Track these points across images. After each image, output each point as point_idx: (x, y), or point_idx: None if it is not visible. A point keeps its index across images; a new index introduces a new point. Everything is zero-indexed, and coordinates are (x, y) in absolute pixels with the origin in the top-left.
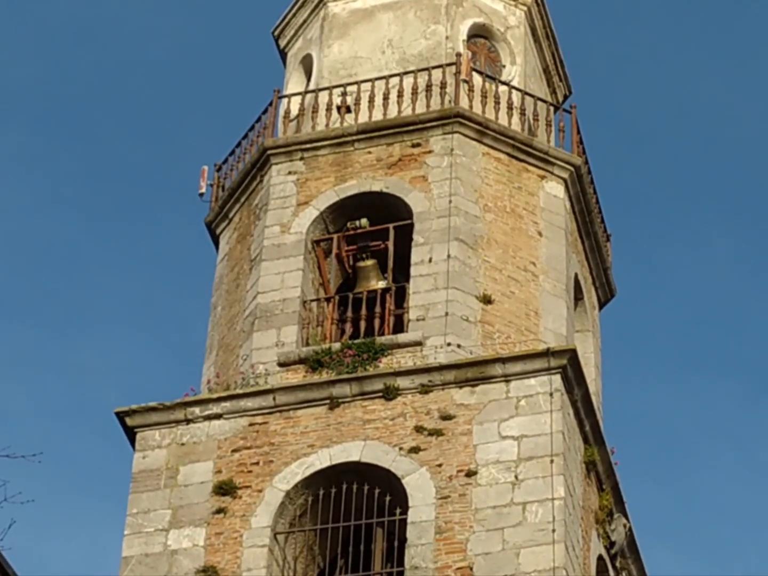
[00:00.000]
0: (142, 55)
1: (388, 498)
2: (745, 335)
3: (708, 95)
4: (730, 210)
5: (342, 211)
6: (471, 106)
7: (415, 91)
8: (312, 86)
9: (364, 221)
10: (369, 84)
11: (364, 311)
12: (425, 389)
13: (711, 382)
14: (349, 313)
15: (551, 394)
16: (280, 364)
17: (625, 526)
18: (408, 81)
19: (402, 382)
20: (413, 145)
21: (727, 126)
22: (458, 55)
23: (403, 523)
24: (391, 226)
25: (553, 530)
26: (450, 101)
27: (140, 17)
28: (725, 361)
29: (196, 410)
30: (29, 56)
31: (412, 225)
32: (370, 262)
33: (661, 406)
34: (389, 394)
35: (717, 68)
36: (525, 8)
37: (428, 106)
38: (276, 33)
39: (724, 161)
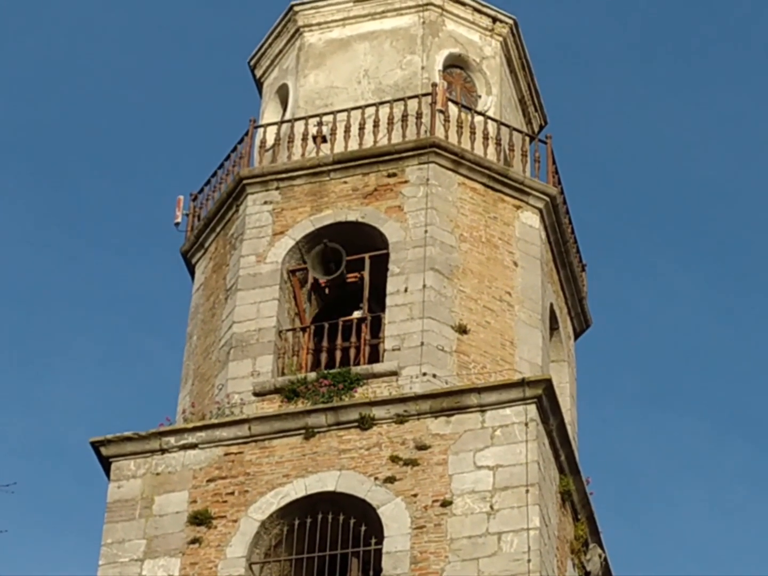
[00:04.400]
0: (118, 84)
1: (363, 528)
2: (712, 370)
3: (683, 127)
4: (698, 246)
5: (318, 241)
6: (447, 136)
7: (390, 121)
8: (288, 116)
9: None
10: (345, 114)
11: (339, 341)
12: (401, 419)
13: (680, 415)
14: (325, 343)
15: (527, 424)
16: (256, 394)
17: (600, 556)
18: (384, 111)
19: (377, 412)
20: (389, 175)
21: (701, 160)
22: (434, 85)
23: (379, 553)
24: (366, 255)
25: (529, 560)
26: (426, 131)
27: (117, 47)
28: (694, 397)
29: (172, 440)
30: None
31: (387, 255)
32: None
33: (631, 438)
34: (365, 423)
35: (693, 100)
36: (501, 39)
37: (404, 136)
38: (252, 63)
39: (699, 195)
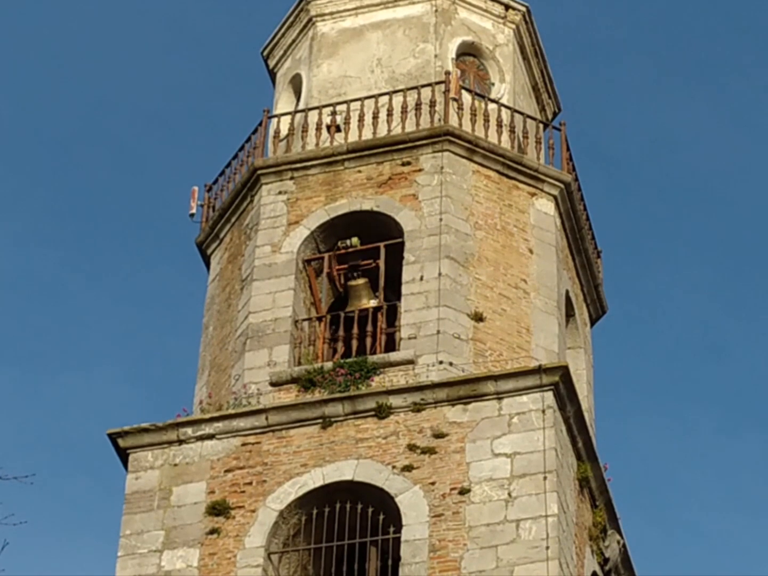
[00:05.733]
0: (132, 76)
1: (381, 517)
2: (727, 357)
3: (698, 114)
4: (712, 232)
5: (333, 230)
6: (460, 125)
7: (404, 110)
8: (301, 106)
9: (354, 240)
10: (358, 103)
11: (355, 330)
12: (418, 407)
13: (695, 402)
14: (341, 332)
15: (543, 411)
16: (272, 384)
17: (618, 542)
18: (397, 100)
19: (394, 401)
20: (403, 164)
21: (717, 146)
22: (447, 73)
23: (397, 541)
24: (382, 244)
25: (547, 547)
26: (439, 120)
27: (131, 39)
28: (710, 383)
29: (189, 431)
30: (12, 87)
31: (402, 243)
32: (361, 281)
33: (648, 424)
34: (382, 412)
35: (707, 86)
36: (513, 26)
37: (418, 124)
38: (265, 53)
39: (714, 182)
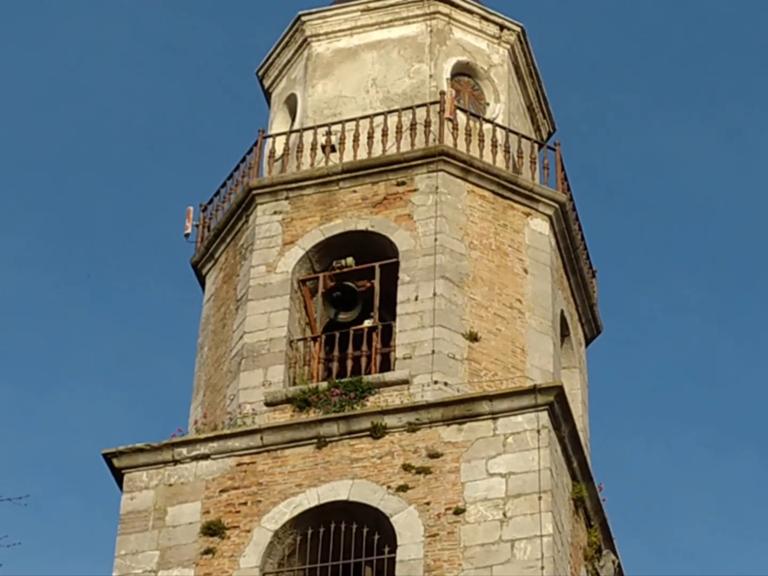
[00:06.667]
0: (127, 96)
1: (376, 536)
2: (721, 377)
3: (692, 134)
4: (707, 252)
5: (328, 250)
6: (455, 144)
7: (399, 130)
8: (296, 126)
9: (349, 260)
10: (353, 123)
11: (350, 350)
12: (413, 427)
13: (689, 422)
14: (336, 352)
15: (539, 431)
16: (268, 404)
17: (614, 562)
18: (392, 120)
19: (389, 421)
20: (398, 184)
21: (711, 167)
22: (442, 93)
23: (392, 561)
24: (376, 264)
25: (542, 567)
26: (434, 139)
27: (126, 59)
28: (703, 403)
29: (184, 451)
30: (9, 107)
31: (397, 263)
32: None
33: (642, 444)
34: (377, 432)
35: (701, 106)
36: (508, 46)
37: (413, 144)
38: (260, 73)
39: (709, 202)
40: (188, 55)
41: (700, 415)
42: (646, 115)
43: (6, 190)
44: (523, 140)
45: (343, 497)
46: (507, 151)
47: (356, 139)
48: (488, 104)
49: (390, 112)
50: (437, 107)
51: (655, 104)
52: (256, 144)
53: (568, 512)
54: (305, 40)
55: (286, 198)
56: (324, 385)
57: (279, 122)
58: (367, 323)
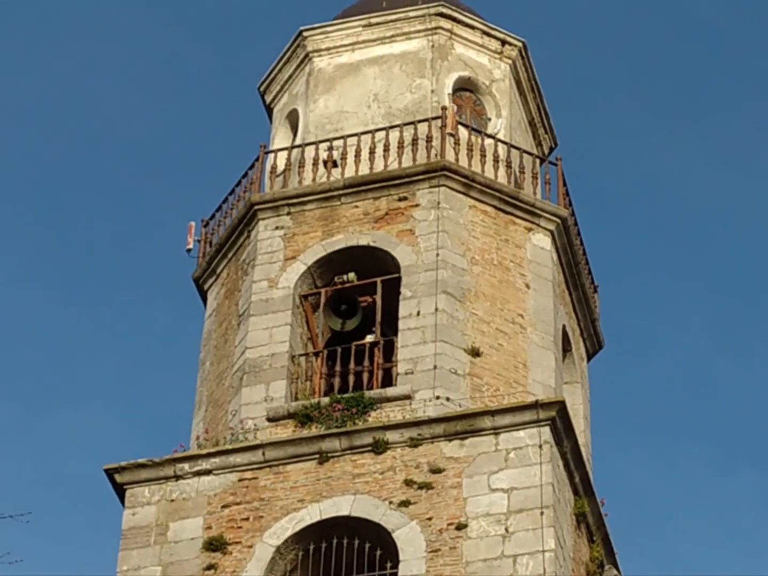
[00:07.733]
0: (129, 111)
1: (378, 552)
2: (722, 392)
3: (695, 149)
4: (708, 268)
5: (329, 266)
6: (457, 160)
7: (401, 145)
8: (298, 141)
9: (351, 275)
10: (355, 138)
11: (352, 365)
12: (414, 443)
13: (690, 437)
14: (338, 368)
15: (540, 446)
16: (269, 419)
17: None
18: (394, 135)
19: (391, 436)
20: (400, 199)
21: (713, 183)
22: (444, 108)
23: None
24: (378, 279)
25: None
26: (436, 155)
27: (127, 74)
28: (704, 418)
29: (186, 466)
30: (6, 123)
31: (399, 278)
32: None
33: (644, 459)
34: (379, 448)
35: (704, 121)
36: (510, 61)
37: (414, 159)
38: (262, 89)
39: (711, 218)
40: (190, 70)
41: (701, 431)
42: (647, 130)
43: (6, 205)
44: (525, 155)
45: (345, 513)
46: (509, 166)
47: (358, 154)
48: (490, 119)
49: (392, 127)
50: (439, 122)
51: (657, 120)
52: (257, 159)
53: (570, 527)
54: (307, 55)
55: (288, 213)
56: (326, 400)
57: (281, 137)
58: (369, 338)
